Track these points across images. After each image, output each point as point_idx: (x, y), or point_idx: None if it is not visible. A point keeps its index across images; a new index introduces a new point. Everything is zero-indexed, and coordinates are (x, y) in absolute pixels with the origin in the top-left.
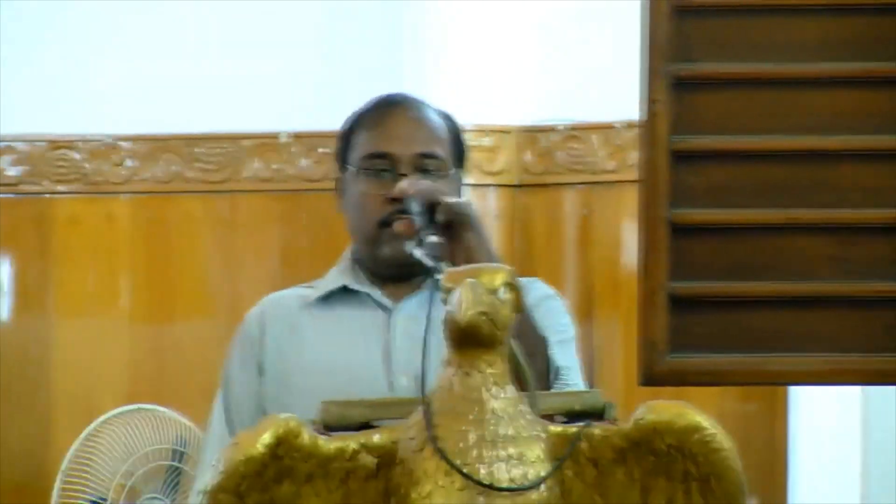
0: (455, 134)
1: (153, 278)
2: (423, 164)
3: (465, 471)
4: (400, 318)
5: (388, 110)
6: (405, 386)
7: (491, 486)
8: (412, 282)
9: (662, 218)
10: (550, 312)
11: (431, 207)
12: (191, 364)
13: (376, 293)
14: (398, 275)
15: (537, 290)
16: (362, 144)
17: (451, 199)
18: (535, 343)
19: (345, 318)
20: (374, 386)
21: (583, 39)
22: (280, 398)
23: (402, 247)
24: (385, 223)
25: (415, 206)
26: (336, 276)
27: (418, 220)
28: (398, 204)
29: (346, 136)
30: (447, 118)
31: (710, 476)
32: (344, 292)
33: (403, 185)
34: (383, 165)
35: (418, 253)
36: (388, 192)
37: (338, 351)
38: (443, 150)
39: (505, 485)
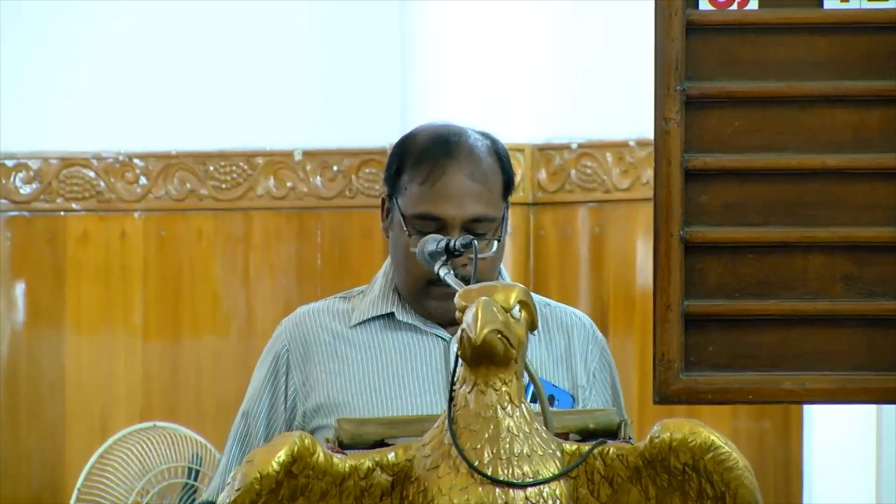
0: (503, 165)
1: (166, 296)
2: (473, 227)
3: (481, 487)
4: (456, 347)
5: (442, 164)
6: None
7: (507, 483)
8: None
9: (675, 236)
10: (609, 375)
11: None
12: (204, 381)
13: (424, 324)
14: (445, 322)
15: (585, 329)
16: (413, 198)
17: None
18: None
19: (399, 342)
20: (435, 412)
21: (596, 58)
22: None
23: (449, 307)
24: (431, 282)
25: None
26: (379, 302)
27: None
28: (446, 267)
29: (396, 168)
30: (494, 152)
31: (724, 494)
32: (390, 316)
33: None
34: (433, 228)
35: (444, 273)
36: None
37: (396, 376)
38: (494, 206)
39: (520, 503)
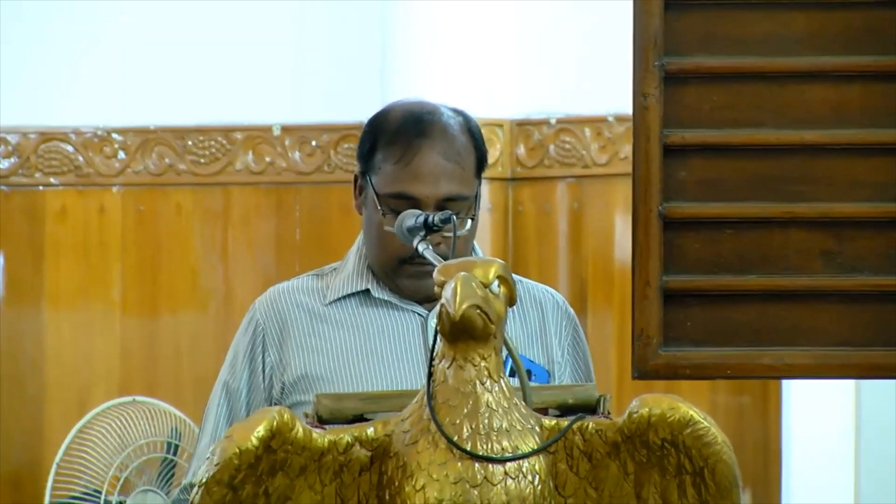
0: (475, 143)
1: (145, 271)
2: (448, 206)
3: (460, 462)
4: (434, 322)
5: (416, 144)
6: None
7: (486, 458)
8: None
9: (654, 212)
10: (582, 351)
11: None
12: (183, 356)
13: (399, 301)
14: (419, 300)
15: (557, 305)
16: (386, 177)
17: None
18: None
19: (376, 317)
20: (415, 387)
21: (575, 33)
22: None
23: (422, 285)
24: (405, 260)
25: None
26: (353, 279)
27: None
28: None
29: (369, 147)
30: (467, 129)
31: (703, 469)
32: (365, 293)
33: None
34: (408, 206)
35: (423, 248)
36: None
37: (375, 352)
38: (467, 185)
39: (499, 478)
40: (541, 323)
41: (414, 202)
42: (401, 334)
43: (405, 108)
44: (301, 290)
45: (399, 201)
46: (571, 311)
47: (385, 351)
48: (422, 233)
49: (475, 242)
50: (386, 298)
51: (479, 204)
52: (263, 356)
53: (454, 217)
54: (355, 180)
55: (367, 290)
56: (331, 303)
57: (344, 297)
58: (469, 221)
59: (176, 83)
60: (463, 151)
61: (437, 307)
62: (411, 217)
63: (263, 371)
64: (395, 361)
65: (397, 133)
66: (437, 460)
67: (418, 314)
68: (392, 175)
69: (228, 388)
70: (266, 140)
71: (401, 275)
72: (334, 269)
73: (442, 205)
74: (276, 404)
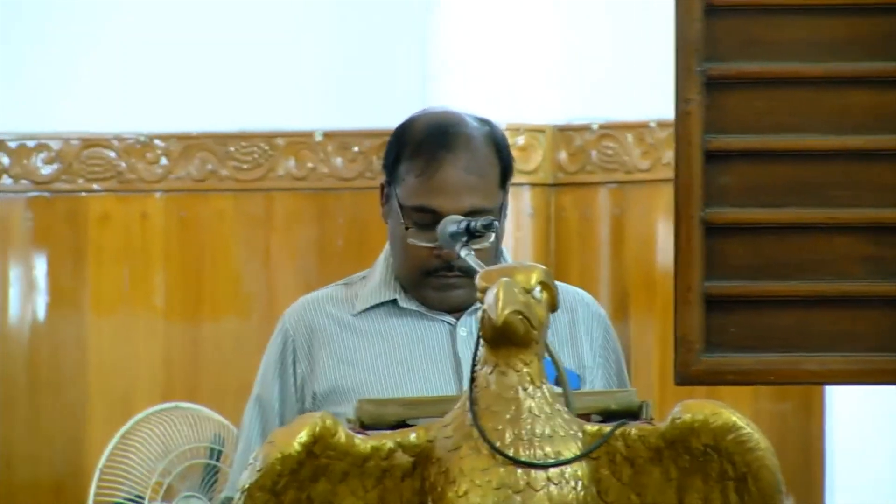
0: (500, 154)
1: (187, 277)
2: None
3: (502, 468)
4: (463, 331)
5: (439, 156)
6: None
7: (529, 464)
8: (455, 293)
9: (696, 217)
10: (614, 352)
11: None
12: (225, 362)
13: (427, 311)
14: (445, 310)
15: (588, 308)
16: (410, 190)
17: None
18: None
19: (405, 327)
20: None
21: (617, 38)
22: (343, 410)
23: (447, 297)
24: (429, 272)
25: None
26: (381, 290)
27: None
28: (442, 259)
29: (395, 160)
30: (492, 140)
31: (746, 475)
32: (393, 302)
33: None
34: (430, 220)
35: (465, 253)
36: (434, 245)
37: (404, 361)
38: (491, 198)
39: (542, 484)
40: (571, 327)
41: (436, 216)
42: (429, 343)
43: (429, 119)
44: (329, 300)
45: (422, 214)
46: (603, 312)
47: (414, 360)
48: (464, 238)
49: (504, 248)
50: (414, 308)
51: (505, 214)
52: (294, 367)
53: (496, 222)
54: (381, 189)
55: (395, 301)
56: (359, 313)
57: (372, 308)
58: (492, 235)
59: (218, 89)
60: (486, 164)
61: (466, 315)
62: (453, 223)
63: (295, 383)
64: (425, 371)
65: (421, 145)
66: (480, 466)
67: (447, 323)
68: (415, 188)
69: (261, 400)
70: (308, 146)
71: (426, 287)
72: (363, 278)
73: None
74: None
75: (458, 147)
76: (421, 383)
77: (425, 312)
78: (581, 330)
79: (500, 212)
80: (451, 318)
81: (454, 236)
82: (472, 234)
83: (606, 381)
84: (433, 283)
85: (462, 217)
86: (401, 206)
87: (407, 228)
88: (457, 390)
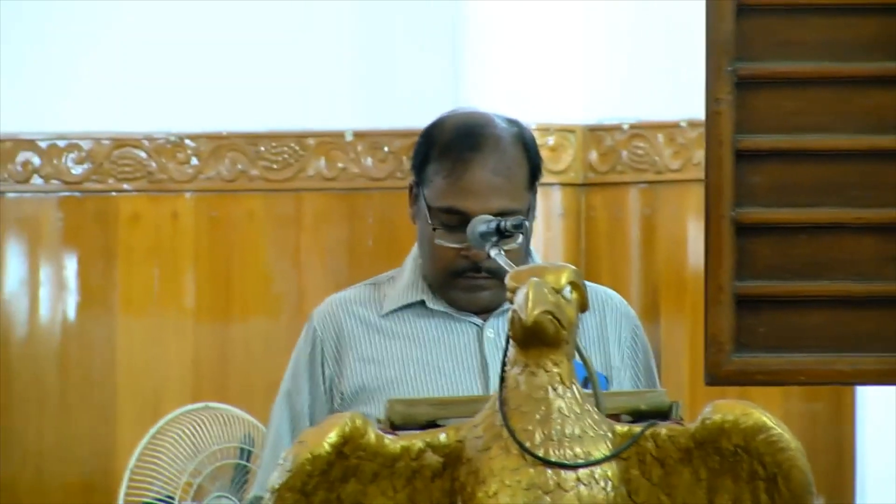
0: (528, 155)
1: (217, 277)
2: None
3: (532, 468)
4: (490, 332)
5: (467, 157)
6: None
7: (559, 464)
8: (483, 295)
9: (727, 217)
10: (643, 352)
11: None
12: (255, 362)
13: (455, 312)
14: (472, 311)
15: (617, 308)
16: (438, 191)
17: None
18: None
19: (432, 328)
20: None
21: (647, 38)
22: (371, 411)
23: (475, 298)
24: (457, 274)
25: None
26: (409, 291)
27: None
28: (470, 260)
29: (423, 160)
30: (521, 141)
31: (776, 476)
32: (421, 304)
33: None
34: (458, 221)
35: (495, 253)
36: (462, 245)
37: (431, 362)
38: (518, 200)
39: (572, 484)
40: (600, 327)
41: (464, 217)
42: (457, 345)
43: (458, 120)
44: (357, 300)
45: (449, 216)
46: (632, 312)
47: (441, 362)
48: (494, 238)
49: (533, 248)
50: (442, 309)
51: (534, 215)
52: (323, 367)
53: (526, 222)
54: (410, 189)
55: (423, 301)
56: (387, 314)
57: (400, 309)
58: (520, 236)
59: (248, 89)
60: (514, 166)
61: (493, 317)
62: (483, 223)
63: (324, 382)
64: (452, 372)
65: (449, 146)
66: (510, 466)
67: (474, 324)
68: (443, 189)
69: (290, 399)
70: (338, 146)
71: (454, 288)
72: (391, 279)
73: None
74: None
75: (487, 148)
76: (447, 385)
77: (453, 314)
78: (609, 330)
79: (528, 213)
80: (478, 320)
81: (484, 236)
82: (502, 234)
83: (634, 382)
84: (461, 284)
85: (492, 217)
86: (429, 208)
87: (434, 229)
88: (483, 392)
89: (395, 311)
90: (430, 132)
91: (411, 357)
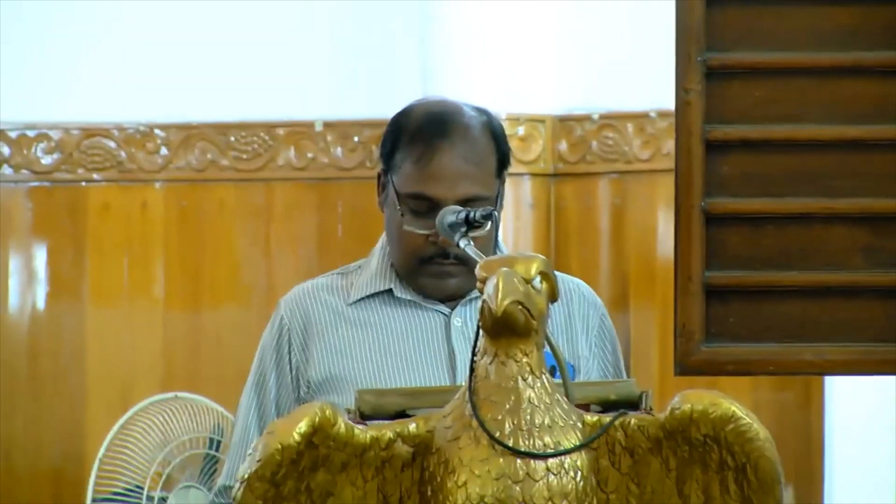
0: (497, 144)
1: (187, 267)
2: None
3: (502, 458)
4: (457, 321)
5: (435, 144)
6: None
7: (528, 454)
8: (451, 283)
9: (696, 207)
10: (610, 341)
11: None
12: (225, 352)
13: (422, 301)
14: (439, 298)
15: (584, 297)
16: (406, 177)
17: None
18: None
19: (400, 317)
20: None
21: (617, 28)
22: (337, 399)
23: (443, 285)
24: (424, 260)
25: (456, 207)
26: (377, 279)
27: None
28: (438, 247)
29: (391, 148)
30: (489, 130)
31: (745, 465)
32: (388, 292)
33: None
34: (426, 207)
35: (464, 244)
36: (430, 232)
37: (399, 351)
38: (487, 186)
39: (541, 474)
40: (566, 317)
41: (432, 203)
42: (424, 334)
43: (426, 108)
44: (325, 288)
45: (418, 201)
46: (599, 301)
47: (408, 351)
48: (463, 229)
49: (500, 240)
50: (409, 298)
51: (501, 203)
52: (290, 356)
53: (495, 213)
54: (378, 178)
55: (390, 290)
56: (354, 303)
57: (367, 297)
58: (488, 224)
59: (218, 79)
60: (483, 153)
61: (461, 306)
62: (452, 213)
63: (290, 371)
64: (419, 361)
65: (417, 133)
66: (479, 456)
67: (441, 313)
68: (411, 175)
69: (257, 388)
70: (308, 136)
71: (422, 274)
72: (359, 268)
73: (461, 206)
74: (304, 403)
75: (455, 135)
76: (414, 373)
77: (420, 302)
78: (577, 319)
79: (496, 201)
80: (445, 309)
81: (453, 227)
82: (470, 225)
83: (602, 371)
84: (429, 271)
85: (461, 207)
86: (397, 194)
87: (403, 215)
88: (450, 381)
89: (362, 299)
90: (398, 120)
91: (378, 346)
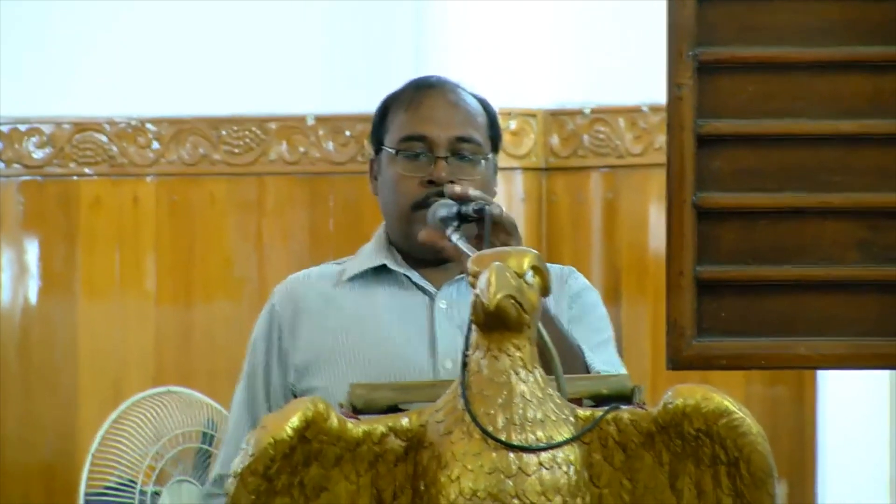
0: (491, 118)
1: (179, 261)
2: (460, 148)
3: (494, 452)
4: (442, 303)
5: (425, 92)
6: (450, 370)
7: (520, 448)
8: (447, 267)
9: (688, 202)
10: (587, 308)
11: (464, 199)
12: (217, 346)
13: (415, 275)
14: (433, 257)
15: (575, 281)
16: (398, 126)
17: (498, 209)
18: (570, 355)
19: (385, 298)
20: (419, 369)
21: (609, 23)
22: (319, 383)
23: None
24: (420, 205)
25: (449, 201)
26: (371, 255)
27: (446, 211)
28: (434, 187)
29: (381, 118)
30: (483, 102)
31: (738, 460)
32: (380, 272)
33: (456, 189)
34: (420, 148)
35: (456, 238)
36: (425, 174)
37: (381, 333)
38: (479, 135)
39: (534, 468)
40: (556, 302)
41: (427, 143)
42: (407, 316)
43: (417, 79)
44: (316, 275)
45: (411, 142)
46: (576, 280)
47: (391, 333)
48: (455, 223)
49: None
50: (403, 272)
51: (494, 191)
52: (280, 343)
53: (488, 208)
54: (371, 166)
55: (384, 266)
56: (347, 280)
57: (360, 275)
58: (483, 162)
59: (210, 73)
60: (475, 110)
61: (446, 286)
62: (444, 207)
63: (279, 357)
64: (401, 344)
65: (405, 90)
66: (472, 451)
67: (427, 294)
68: (403, 122)
69: (248, 377)
70: (300, 130)
71: (415, 222)
72: (354, 255)
73: (455, 147)
74: (292, 390)
75: (445, 86)
76: (395, 357)
77: (412, 277)
78: (549, 305)
79: (493, 166)
80: (432, 288)
81: (445, 221)
82: (463, 219)
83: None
84: (421, 217)
85: (453, 202)
86: (392, 149)
87: (397, 153)
88: (431, 364)
89: (356, 276)
90: (385, 98)
91: (360, 329)
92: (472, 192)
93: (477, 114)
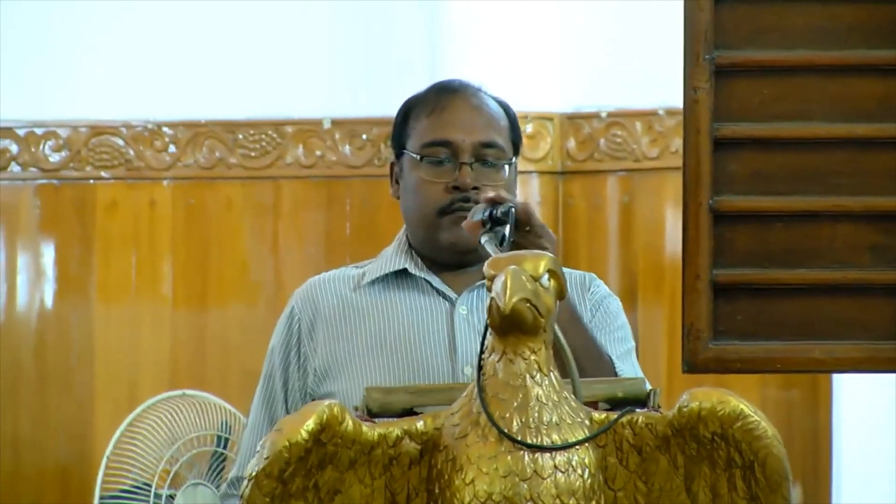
0: (513, 122)
1: (195, 264)
2: (484, 154)
3: (510, 456)
4: (463, 309)
5: (447, 97)
6: (470, 376)
7: (536, 447)
8: (469, 271)
9: (704, 205)
10: (611, 317)
11: (493, 203)
12: (232, 350)
13: (436, 280)
14: (456, 262)
15: (597, 288)
16: (422, 131)
17: (537, 219)
18: (600, 361)
19: (405, 303)
20: (439, 375)
21: (625, 26)
22: (339, 387)
23: (462, 234)
24: (445, 211)
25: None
26: (392, 259)
27: (481, 214)
28: (458, 192)
29: (403, 122)
30: (504, 106)
31: (753, 463)
32: (400, 276)
33: (490, 194)
34: (444, 154)
35: (485, 240)
36: (449, 180)
37: (401, 338)
38: (502, 139)
39: (549, 472)
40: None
41: (451, 148)
42: (427, 321)
43: (438, 83)
44: (337, 278)
45: (435, 148)
46: (598, 287)
47: (411, 338)
48: (487, 225)
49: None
50: (423, 277)
51: (515, 193)
52: (298, 346)
53: (513, 209)
54: (391, 169)
55: (405, 270)
56: (367, 284)
57: (380, 279)
58: (506, 167)
59: (226, 76)
60: (497, 114)
61: (467, 292)
62: (478, 212)
63: (299, 361)
64: (420, 349)
65: (428, 95)
66: (487, 454)
67: (448, 299)
68: (426, 128)
69: (267, 380)
70: (316, 134)
71: (441, 228)
72: (374, 259)
73: (479, 152)
74: (310, 394)
75: (469, 92)
76: (416, 361)
77: (432, 282)
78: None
79: (515, 171)
80: (452, 294)
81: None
82: (495, 221)
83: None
84: (448, 221)
85: (485, 205)
86: (415, 155)
87: (421, 159)
88: (451, 370)
89: (376, 280)
90: (407, 100)
91: (380, 333)
92: (504, 193)
93: (499, 118)
